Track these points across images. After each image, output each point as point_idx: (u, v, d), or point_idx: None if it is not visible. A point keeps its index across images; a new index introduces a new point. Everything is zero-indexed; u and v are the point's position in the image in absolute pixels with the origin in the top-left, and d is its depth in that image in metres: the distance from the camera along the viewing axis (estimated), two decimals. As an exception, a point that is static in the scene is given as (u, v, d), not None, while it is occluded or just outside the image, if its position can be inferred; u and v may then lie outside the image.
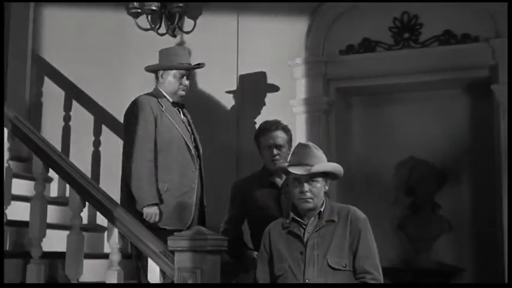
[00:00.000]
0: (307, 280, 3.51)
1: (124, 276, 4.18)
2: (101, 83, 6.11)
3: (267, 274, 3.72)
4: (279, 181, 4.41)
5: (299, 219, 3.68)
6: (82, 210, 4.38)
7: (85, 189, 4.29)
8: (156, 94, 4.69)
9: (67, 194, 5.74)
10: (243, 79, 5.66)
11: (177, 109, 4.69)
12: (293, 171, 3.62)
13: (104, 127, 6.09)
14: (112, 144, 5.97)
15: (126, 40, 6.08)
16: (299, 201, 3.65)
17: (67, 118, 6.16)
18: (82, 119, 6.09)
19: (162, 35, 5.90)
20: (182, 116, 4.69)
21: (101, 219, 5.85)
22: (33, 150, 4.45)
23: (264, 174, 4.47)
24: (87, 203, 4.30)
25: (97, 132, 6.09)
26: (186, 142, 4.58)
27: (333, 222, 3.63)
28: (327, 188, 3.73)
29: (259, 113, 5.48)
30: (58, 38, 6.32)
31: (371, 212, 4.95)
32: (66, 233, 4.32)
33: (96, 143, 6.06)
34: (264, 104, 5.53)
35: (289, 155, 3.80)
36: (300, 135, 5.47)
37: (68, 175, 4.34)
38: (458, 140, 5.56)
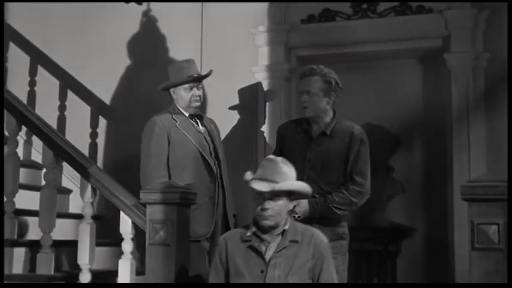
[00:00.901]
0: None
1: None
2: (66, 48, 6.22)
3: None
4: (314, 129, 4.25)
5: (261, 236, 3.51)
6: (55, 167, 4.56)
7: (58, 146, 4.46)
8: (172, 110, 4.71)
9: (32, 157, 5.94)
10: (207, 46, 5.84)
11: (195, 121, 4.70)
12: (255, 187, 3.44)
13: (69, 92, 6.21)
14: (77, 109, 6.11)
15: (92, 7, 6.19)
16: (259, 217, 3.49)
17: (32, 83, 6.27)
18: (47, 84, 6.19)
19: (128, 2, 6.02)
20: (200, 127, 4.69)
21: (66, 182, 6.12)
22: (5, 108, 4.60)
23: (300, 121, 4.37)
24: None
25: (62, 98, 6.22)
26: (201, 154, 4.57)
27: (296, 242, 3.50)
28: (290, 207, 3.58)
29: (222, 79, 5.66)
30: (22, 4, 6.39)
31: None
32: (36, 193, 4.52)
33: (62, 108, 6.19)
34: (228, 71, 5.72)
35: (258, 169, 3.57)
36: (261, 102, 5.72)
37: (41, 131, 4.51)
38: (412, 107, 5.84)
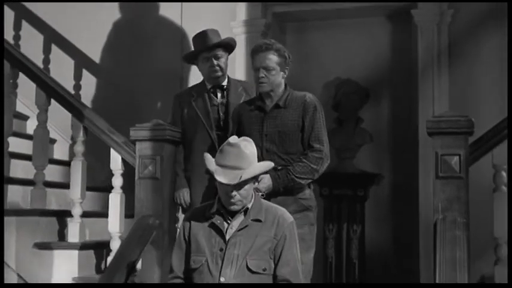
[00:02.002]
0: (222, 279, 3.27)
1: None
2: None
3: (182, 264, 3.41)
4: (268, 103, 4.16)
5: (224, 213, 3.39)
6: (47, 108, 4.84)
7: (51, 87, 4.74)
8: (196, 84, 4.74)
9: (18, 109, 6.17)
10: (187, 5, 6.10)
11: (214, 93, 4.60)
12: (220, 181, 3.28)
13: (53, 46, 6.43)
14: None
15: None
16: (226, 204, 3.36)
17: (17, 38, 6.47)
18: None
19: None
20: (218, 99, 4.59)
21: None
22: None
23: (253, 100, 4.31)
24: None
25: (46, 52, 6.43)
26: (206, 127, 4.50)
27: (259, 221, 3.38)
28: (256, 184, 3.48)
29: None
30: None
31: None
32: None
33: (46, 62, 6.41)
34: (207, 26, 5.99)
35: (218, 152, 3.38)
36: (239, 56, 5.99)
37: (35, 74, 4.79)
38: (380, 61, 6.18)
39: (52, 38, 6.41)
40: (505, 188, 4.04)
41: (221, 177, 3.28)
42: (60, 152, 6.14)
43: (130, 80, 6.14)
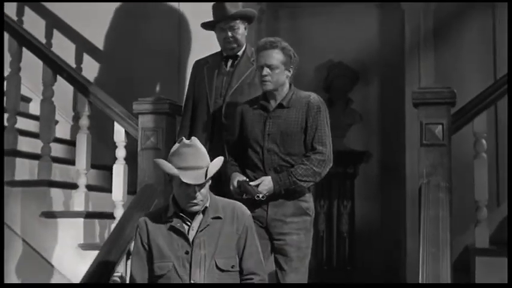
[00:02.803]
0: (192, 281, 3.23)
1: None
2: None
3: (145, 272, 3.33)
4: (271, 102, 4.01)
5: (183, 215, 3.34)
6: (53, 84, 5.09)
7: (58, 65, 5.00)
8: (218, 52, 4.63)
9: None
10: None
11: (227, 62, 4.50)
12: (187, 181, 3.24)
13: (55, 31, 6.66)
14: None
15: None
16: (186, 205, 3.31)
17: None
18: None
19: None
20: (228, 68, 4.49)
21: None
22: (6, 31, 5.11)
23: (256, 98, 4.15)
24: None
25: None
26: (207, 94, 4.43)
27: (219, 219, 3.36)
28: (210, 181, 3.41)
29: (198, 18, 6.18)
30: None
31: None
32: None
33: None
34: (202, 7, 6.21)
35: (172, 155, 3.35)
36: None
37: (41, 51, 5.04)
38: (370, 45, 6.47)
39: (54, 23, 6.62)
40: (484, 155, 4.34)
41: (188, 178, 3.23)
42: (62, 132, 6.35)
43: (129, 62, 6.35)
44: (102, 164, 5.66)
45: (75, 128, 6.21)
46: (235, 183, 3.89)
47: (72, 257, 4.77)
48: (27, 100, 6.46)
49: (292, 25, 6.73)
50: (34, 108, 6.32)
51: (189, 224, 3.32)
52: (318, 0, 6.43)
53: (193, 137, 3.42)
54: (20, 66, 5.21)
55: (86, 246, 4.79)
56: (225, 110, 4.33)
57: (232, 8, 4.45)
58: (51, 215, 4.87)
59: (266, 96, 4.03)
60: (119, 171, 4.75)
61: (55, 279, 4.83)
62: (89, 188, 5.02)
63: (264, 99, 4.04)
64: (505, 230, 4.54)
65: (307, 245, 3.99)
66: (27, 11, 6.71)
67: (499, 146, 5.01)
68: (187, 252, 3.27)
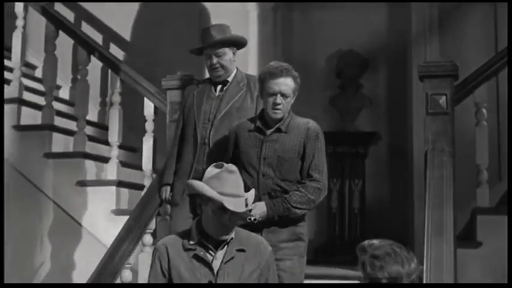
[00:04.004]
0: None
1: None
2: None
3: None
4: (269, 125, 3.95)
5: (207, 244, 3.25)
6: (88, 64, 5.52)
7: (92, 46, 5.43)
8: (205, 77, 4.73)
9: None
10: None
11: (216, 87, 4.44)
12: (231, 208, 3.16)
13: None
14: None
15: None
16: (220, 231, 3.23)
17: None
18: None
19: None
20: (216, 93, 4.43)
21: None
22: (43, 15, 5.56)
23: (252, 119, 4.07)
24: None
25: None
26: (195, 118, 4.38)
27: (243, 251, 3.28)
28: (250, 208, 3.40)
29: (218, 7, 6.58)
30: None
31: (308, 93, 6.32)
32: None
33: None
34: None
35: (211, 179, 3.26)
36: (252, 31, 6.65)
37: (75, 33, 5.48)
38: (378, 34, 6.88)
39: (82, 15, 7.07)
40: (485, 123, 4.74)
41: (231, 205, 3.16)
42: (90, 116, 6.79)
43: (153, 52, 6.79)
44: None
45: (102, 113, 6.67)
46: None
47: (104, 222, 5.19)
48: (57, 87, 6.90)
49: (305, 17, 7.13)
50: (63, 94, 6.78)
51: (212, 253, 3.25)
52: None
53: (232, 164, 3.36)
54: (55, 45, 5.63)
55: (117, 212, 5.19)
56: (212, 135, 4.29)
57: (218, 34, 4.40)
58: (85, 183, 5.29)
59: (263, 119, 3.96)
60: (149, 142, 5.16)
61: (87, 242, 5.23)
62: (120, 163, 5.43)
63: (261, 121, 3.97)
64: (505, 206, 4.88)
65: (301, 270, 3.92)
66: (58, 5, 7.15)
67: (500, 116, 5.40)
68: (210, 282, 3.21)
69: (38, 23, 6.18)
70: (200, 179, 3.38)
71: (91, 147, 5.78)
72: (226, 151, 4.09)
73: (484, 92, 4.74)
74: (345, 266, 5.17)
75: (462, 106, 4.76)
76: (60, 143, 5.56)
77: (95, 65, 5.92)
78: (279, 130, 3.92)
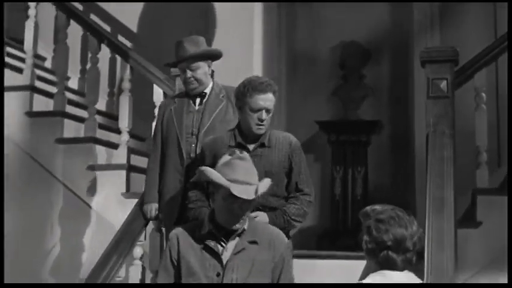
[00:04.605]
0: None
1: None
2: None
3: None
4: (249, 141, 3.86)
5: (218, 235, 3.20)
6: (98, 52, 5.67)
7: (102, 34, 5.59)
8: (181, 91, 4.69)
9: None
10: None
11: (194, 100, 4.40)
12: (238, 195, 3.10)
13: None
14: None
15: None
16: (231, 220, 3.18)
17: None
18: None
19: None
20: (196, 107, 4.39)
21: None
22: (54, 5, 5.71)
23: (229, 135, 3.93)
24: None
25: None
26: (177, 134, 4.33)
27: (255, 243, 3.21)
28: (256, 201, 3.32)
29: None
30: None
31: (312, 84, 6.43)
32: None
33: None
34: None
35: (223, 166, 3.22)
36: (257, 23, 6.79)
37: (86, 22, 5.63)
38: (381, 26, 7.05)
39: (90, 8, 7.21)
40: (484, 106, 4.89)
41: (239, 192, 3.10)
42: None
43: (159, 43, 6.91)
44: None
45: (110, 103, 6.81)
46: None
47: (115, 204, 5.32)
48: (66, 78, 7.04)
49: (309, 10, 7.30)
50: (72, 85, 6.91)
51: (223, 244, 3.19)
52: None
53: (245, 152, 3.33)
54: (67, 34, 5.78)
55: (128, 195, 5.33)
56: (199, 148, 4.20)
57: (191, 47, 4.35)
58: (96, 168, 5.43)
59: (243, 134, 3.87)
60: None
61: (98, 224, 5.37)
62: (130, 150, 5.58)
63: (241, 137, 3.87)
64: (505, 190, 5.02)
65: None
66: (66, -2, 7.30)
67: (499, 100, 5.57)
68: (218, 274, 3.16)
69: (47, 15, 6.36)
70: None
71: (101, 135, 5.91)
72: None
73: (484, 76, 4.89)
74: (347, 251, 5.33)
75: (462, 90, 4.90)
76: (71, 129, 5.70)
77: (103, 56, 6.07)
78: (262, 145, 3.85)
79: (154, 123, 4.74)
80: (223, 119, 4.31)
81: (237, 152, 3.28)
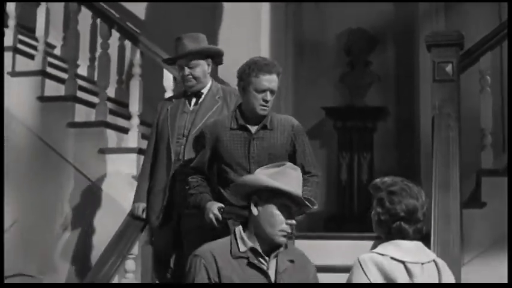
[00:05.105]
0: None
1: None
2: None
3: None
4: (252, 123, 3.85)
5: (261, 253, 3.09)
6: (109, 38, 5.76)
7: (113, 20, 5.69)
8: (179, 90, 4.67)
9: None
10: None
11: (190, 100, 4.34)
12: (314, 207, 3.14)
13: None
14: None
15: None
16: (278, 233, 3.06)
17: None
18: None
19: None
20: (191, 107, 4.32)
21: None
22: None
23: (234, 116, 3.91)
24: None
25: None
26: (169, 134, 4.28)
27: (293, 262, 3.17)
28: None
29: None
30: None
31: (319, 71, 6.50)
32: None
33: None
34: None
35: (275, 175, 3.09)
36: (264, 11, 6.84)
37: (96, 8, 5.72)
38: (387, 14, 7.13)
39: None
40: (489, 89, 4.97)
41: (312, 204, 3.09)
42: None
43: (167, 28, 6.91)
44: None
45: (119, 90, 6.90)
46: (216, 211, 3.78)
47: (125, 186, 5.39)
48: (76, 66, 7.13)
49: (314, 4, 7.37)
50: (82, 72, 7.00)
51: (264, 262, 3.10)
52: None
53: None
54: (77, 20, 5.87)
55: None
56: (187, 150, 4.19)
57: (191, 44, 4.27)
58: (106, 151, 5.52)
59: (244, 116, 3.85)
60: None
61: (108, 206, 5.43)
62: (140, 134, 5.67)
63: (243, 119, 3.85)
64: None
65: None
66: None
67: (503, 83, 5.66)
68: None
69: (57, 5, 6.44)
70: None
71: (111, 121, 6.01)
72: (203, 151, 3.94)
73: (489, 60, 4.96)
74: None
75: (467, 74, 4.98)
76: (82, 114, 5.79)
77: (112, 44, 6.11)
78: (264, 127, 3.84)
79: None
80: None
81: (286, 162, 3.25)
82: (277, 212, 3.06)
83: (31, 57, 5.91)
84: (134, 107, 5.52)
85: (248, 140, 3.81)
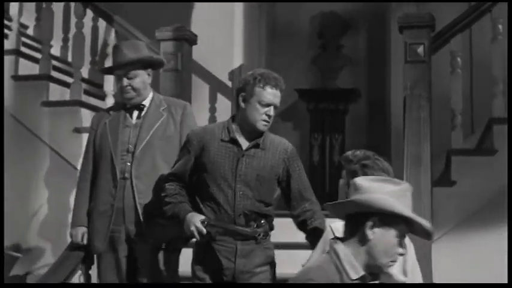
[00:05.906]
0: None
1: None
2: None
3: None
4: (244, 139, 3.63)
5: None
6: (83, 17, 5.77)
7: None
8: (119, 102, 4.40)
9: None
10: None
11: (132, 113, 4.07)
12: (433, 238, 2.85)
13: None
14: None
15: None
16: (386, 265, 2.60)
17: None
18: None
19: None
20: (133, 120, 4.05)
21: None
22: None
23: (220, 128, 3.68)
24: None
25: None
26: (111, 151, 3.99)
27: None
28: None
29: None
30: None
31: (292, 53, 6.55)
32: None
33: None
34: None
35: (395, 196, 2.52)
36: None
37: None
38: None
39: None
40: (459, 71, 5.08)
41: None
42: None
43: (144, 6, 6.92)
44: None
45: (92, 71, 6.90)
46: (199, 224, 3.52)
47: (100, 166, 5.44)
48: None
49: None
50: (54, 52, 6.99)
51: None
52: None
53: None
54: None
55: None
56: (135, 168, 3.94)
57: (131, 53, 3.98)
58: (81, 130, 5.53)
59: (237, 130, 3.63)
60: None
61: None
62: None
63: (237, 132, 3.63)
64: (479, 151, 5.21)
65: None
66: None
67: (473, 64, 5.79)
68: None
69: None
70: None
71: (86, 100, 6.02)
72: (186, 158, 3.70)
73: (459, 42, 5.07)
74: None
75: (438, 56, 5.08)
76: (56, 94, 5.80)
77: (85, 25, 6.12)
78: (256, 145, 3.62)
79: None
80: (163, 135, 3.99)
81: (402, 181, 2.70)
82: (396, 241, 2.57)
83: (5, 36, 5.89)
84: (109, 86, 5.54)
85: (237, 156, 3.60)
